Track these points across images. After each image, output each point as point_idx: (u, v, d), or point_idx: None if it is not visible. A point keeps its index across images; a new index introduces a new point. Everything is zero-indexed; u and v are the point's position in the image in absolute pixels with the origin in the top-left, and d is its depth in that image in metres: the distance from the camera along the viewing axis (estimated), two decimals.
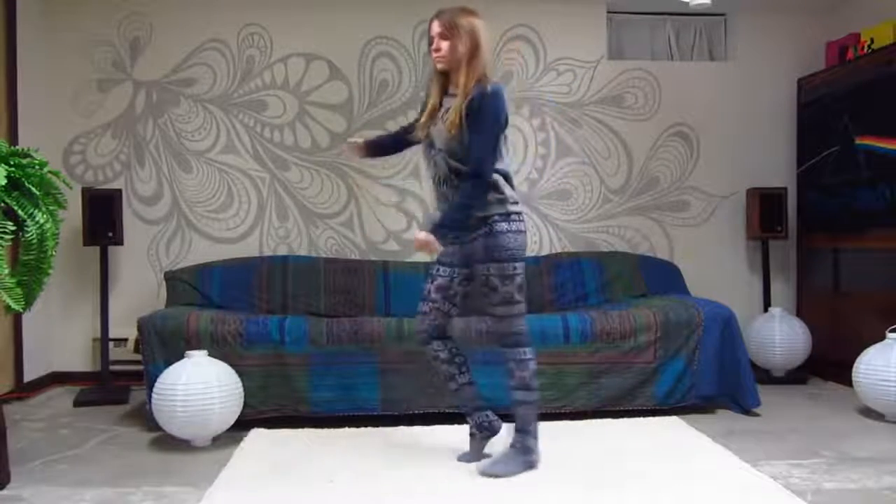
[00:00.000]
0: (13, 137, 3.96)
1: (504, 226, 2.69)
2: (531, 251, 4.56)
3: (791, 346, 4.17)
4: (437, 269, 2.86)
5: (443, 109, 2.74)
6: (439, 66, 2.73)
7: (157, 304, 4.16)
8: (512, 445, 2.78)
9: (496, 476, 2.68)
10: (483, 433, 2.90)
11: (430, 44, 2.75)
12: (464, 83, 2.66)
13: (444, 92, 2.78)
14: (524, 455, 2.75)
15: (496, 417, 2.92)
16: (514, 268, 2.71)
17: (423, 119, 2.79)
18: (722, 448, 2.99)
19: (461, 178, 2.67)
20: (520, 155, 4.59)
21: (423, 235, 2.62)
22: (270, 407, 3.40)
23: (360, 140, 3.03)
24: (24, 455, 2.98)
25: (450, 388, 2.91)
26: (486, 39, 2.71)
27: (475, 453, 2.89)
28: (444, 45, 2.69)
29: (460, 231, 2.71)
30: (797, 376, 4.29)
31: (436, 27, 2.72)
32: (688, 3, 4.45)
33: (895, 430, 3.31)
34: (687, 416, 3.49)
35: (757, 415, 3.56)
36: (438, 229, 2.64)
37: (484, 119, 2.62)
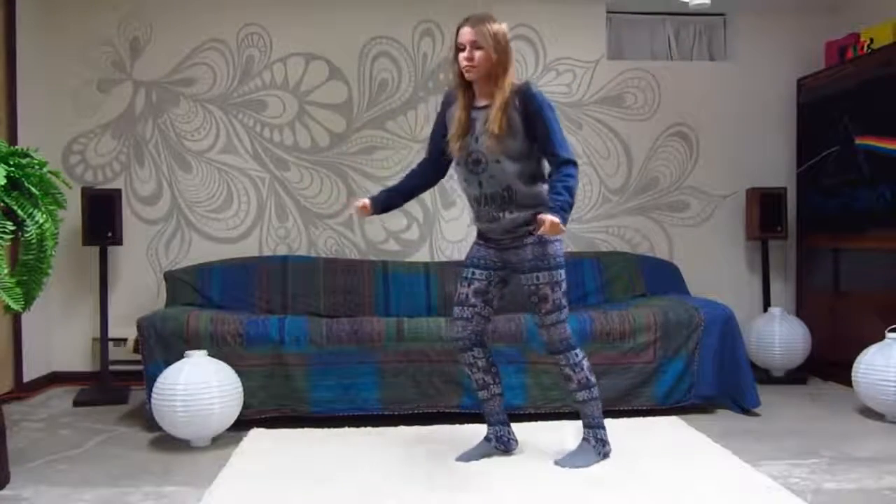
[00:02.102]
0: (13, 137, 3.96)
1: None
2: None
3: (791, 346, 4.17)
4: (473, 273, 2.83)
5: (478, 123, 2.68)
6: (469, 75, 2.65)
7: (157, 304, 4.17)
8: (585, 440, 2.85)
9: (575, 468, 2.74)
10: (499, 446, 2.94)
11: (459, 51, 2.66)
12: (500, 92, 2.62)
13: (470, 106, 2.71)
14: (599, 447, 2.84)
15: (515, 437, 2.97)
16: (561, 274, 2.73)
17: (454, 136, 2.70)
18: (722, 448, 2.99)
19: (523, 184, 2.66)
20: None
21: (557, 219, 2.52)
22: (270, 407, 3.40)
23: (365, 200, 2.86)
24: (24, 455, 2.97)
25: (480, 397, 2.93)
26: (511, 46, 2.69)
27: (477, 455, 2.90)
28: (478, 54, 2.62)
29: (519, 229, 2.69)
30: (797, 376, 4.29)
31: (468, 35, 2.63)
32: (687, 3, 4.44)
33: (895, 430, 3.31)
34: (687, 416, 3.49)
35: (757, 415, 3.56)
36: (563, 214, 2.57)
37: (545, 110, 2.64)
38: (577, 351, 2.79)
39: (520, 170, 2.66)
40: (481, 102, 2.69)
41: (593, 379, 2.82)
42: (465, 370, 2.92)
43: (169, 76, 4.45)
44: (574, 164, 2.66)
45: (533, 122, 2.64)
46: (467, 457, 2.89)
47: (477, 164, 2.69)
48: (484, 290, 2.81)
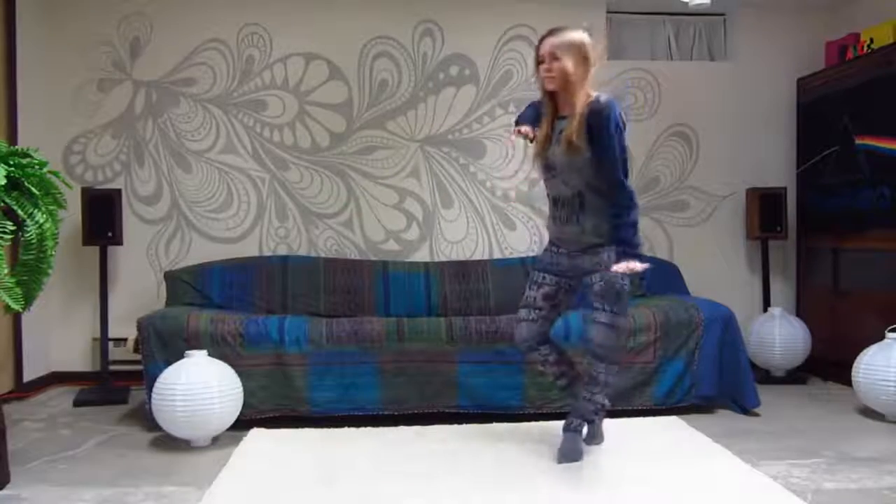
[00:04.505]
0: (13, 137, 3.96)
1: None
2: (532, 251, 4.57)
3: (791, 346, 4.17)
4: (543, 278, 2.88)
5: (556, 132, 2.74)
6: (549, 86, 2.71)
7: (157, 304, 4.16)
8: (575, 430, 2.90)
9: (575, 461, 2.81)
10: (600, 415, 3.05)
11: (539, 62, 2.73)
12: (578, 102, 2.67)
13: (555, 115, 2.77)
14: (580, 431, 2.93)
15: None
16: (629, 284, 2.78)
17: (538, 144, 2.78)
18: (722, 448, 2.99)
19: (596, 194, 2.69)
20: (520, 154, 4.59)
21: (640, 267, 2.59)
22: (270, 407, 3.40)
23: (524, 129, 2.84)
24: (24, 455, 2.97)
25: (560, 385, 3.03)
26: (594, 56, 2.73)
27: (599, 436, 3.04)
28: (556, 65, 2.67)
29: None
30: (797, 376, 4.29)
31: (547, 47, 2.70)
32: (687, 3, 4.44)
33: (895, 430, 3.31)
34: (687, 416, 3.49)
35: (757, 415, 3.56)
36: (633, 249, 2.64)
37: (608, 129, 2.63)
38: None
39: (589, 179, 2.69)
40: (563, 112, 2.75)
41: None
42: (538, 367, 3.02)
43: (169, 76, 4.45)
44: (625, 186, 2.66)
45: (596, 138, 2.64)
46: (598, 440, 3.02)
47: (550, 170, 2.77)
48: (552, 295, 2.87)
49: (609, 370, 2.82)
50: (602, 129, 2.63)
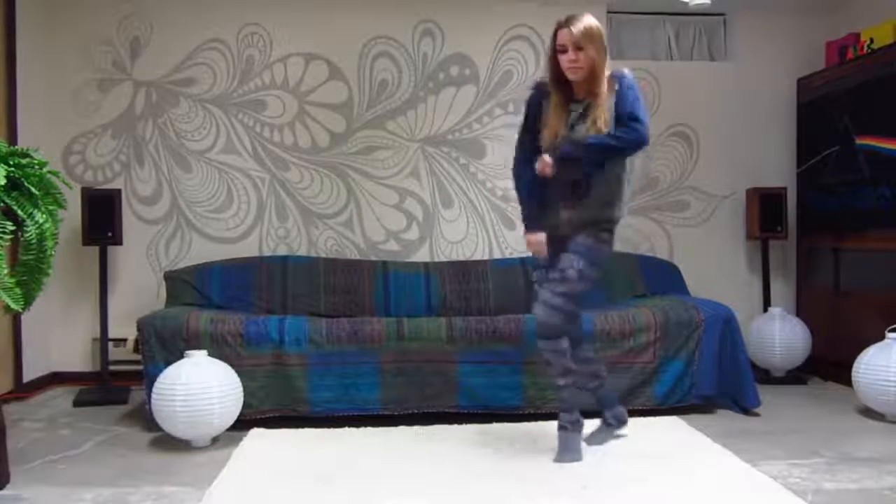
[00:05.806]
0: (13, 137, 3.96)
1: (607, 236, 2.82)
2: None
3: (791, 346, 4.17)
4: (548, 273, 2.88)
5: (574, 114, 2.76)
6: (574, 76, 2.73)
7: (157, 304, 4.16)
8: (563, 427, 2.87)
9: (577, 461, 2.82)
10: (619, 425, 3.11)
11: (559, 52, 2.73)
12: (602, 87, 2.72)
13: (569, 100, 2.79)
14: (578, 426, 2.91)
15: (624, 409, 3.15)
16: (595, 272, 2.79)
17: (551, 127, 2.78)
18: (722, 448, 2.99)
19: (603, 178, 2.77)
20: None
21: (547, 160, 2.69)
22: (270, 407, 3.40)
23: (541, 237, 2.88)
24: (24, 455, 2.97)
25: (589, 387, 3.02)
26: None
27: (604, 438, 3.07)
28: (581, 55, 2.69)
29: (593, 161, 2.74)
30: (797, 376, 4.29)
31: (569, 36, 2.69)
32: (687, 3, 4.45)
33: (895, 430, 3.31)
34: (687, 416, 3.49)
35: (757, 415, 3.56)
36: (575, 146, 2.70)
37: (635, 95, 2.73)
38: (563, 339, 2.81)
39: (601, 160, 2.74)
40: (579, 96, 2.78)
41: (573, 366, 2.86)
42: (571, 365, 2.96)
43: (169, 76, 4.45)
44: (643, 139, 2.74)
45: (623, 103, 2.72)
46: (598, 440, 3.04)
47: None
48: None
49: (558, 351, 2.79)
50: (626, 103, 2.72)
